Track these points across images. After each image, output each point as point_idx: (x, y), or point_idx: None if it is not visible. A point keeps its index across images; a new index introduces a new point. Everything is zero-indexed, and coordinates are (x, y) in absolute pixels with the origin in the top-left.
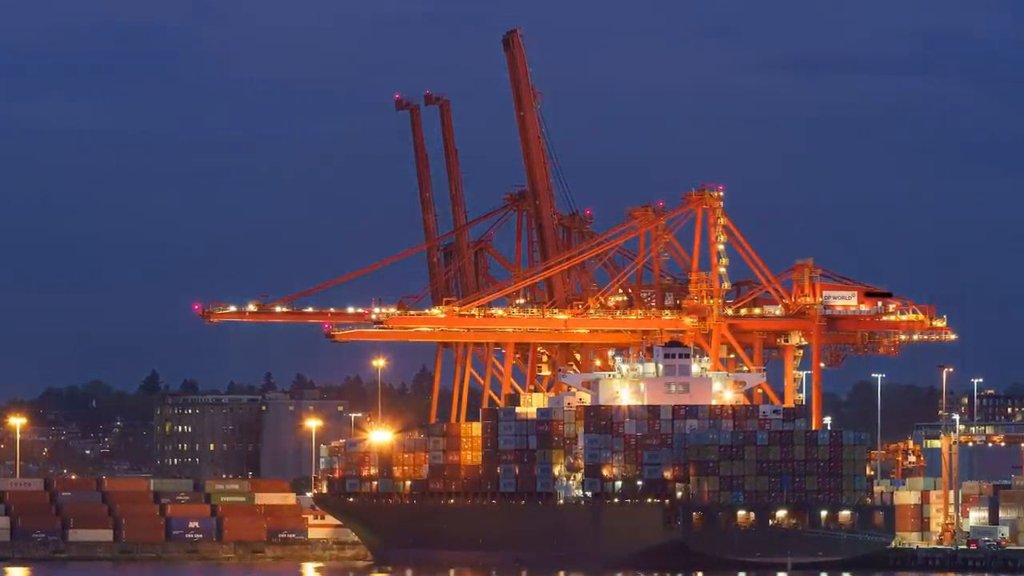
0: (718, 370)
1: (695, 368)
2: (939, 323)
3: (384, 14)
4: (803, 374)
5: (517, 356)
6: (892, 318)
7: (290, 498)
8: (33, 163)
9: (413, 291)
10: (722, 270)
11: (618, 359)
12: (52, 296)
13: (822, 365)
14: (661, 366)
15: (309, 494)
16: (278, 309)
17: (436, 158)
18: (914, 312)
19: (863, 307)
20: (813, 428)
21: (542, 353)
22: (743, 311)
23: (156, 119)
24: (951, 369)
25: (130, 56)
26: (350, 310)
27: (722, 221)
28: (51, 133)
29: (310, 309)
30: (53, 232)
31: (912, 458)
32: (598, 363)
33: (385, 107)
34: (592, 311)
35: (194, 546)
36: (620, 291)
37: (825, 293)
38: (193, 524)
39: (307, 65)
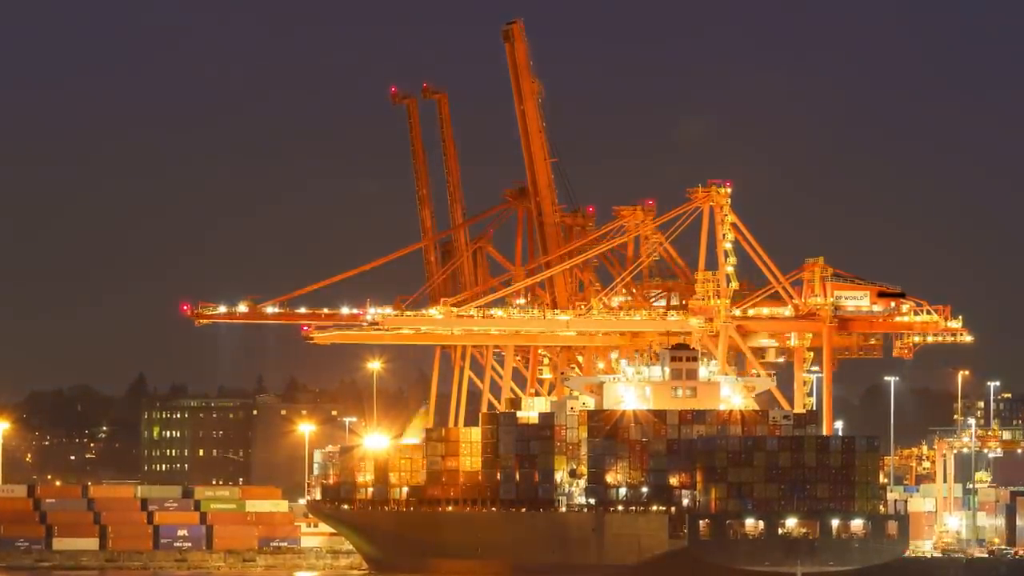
0: (726, 373)
1: (703, 371)
2: (955, 324)
3: (380, 4)
4: (813, 377)
5: (517, 359)
6: (906, 319)
7: (282, 505)
8: (19, 159)
9: (410, 291)
10: (729, 269)
11: (623, 362)
12: (37, 297)
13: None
14: (667, 369)
15: (302, 501)
16: (270, 310)
17: (434, 153)
18: (929, 313)
19: (875, 307)
20: (824, 434)
21: (543, 355)
22: (751, 312)
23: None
24: (966, 372)
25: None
26: (344, 311)
27: (730, 219)
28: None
29: (303, 310)
30: (37, 230)
31: (926, 464)
32: (601, 366)
33: (381, 100)
34: (595, 312)
35: (183, 555)
36: (623, 291)
37: (836, 293)
38: (182, 532)
39: (301, 57)
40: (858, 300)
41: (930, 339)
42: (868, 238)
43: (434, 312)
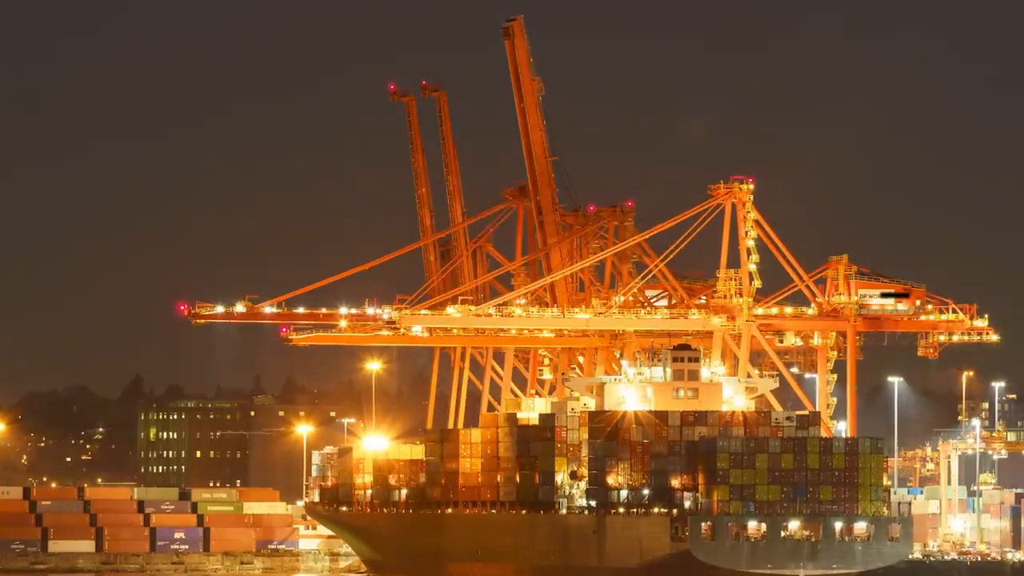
0: (749, 373)
1: (705, 372)
2: (981, 323)
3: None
4: (834, 377)
5: (517, 359)
6: (931, 318)
7: (280, 507)
8: (15, 162)
9: (409, 291)
10: (752, 267)
11: (624, 362)
12: (32, 297)
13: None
14: (669, 370)
15: (300, 503)
16: (267, 310)
17: (433, 151)
18: (954, 312)
19: (900, 306)
20: (850, 434)
21: (543, 356)
22: (775, 310)
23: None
24: (971, 373)
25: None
26: (343, 311)
27: (752, 216)
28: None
29: (301, 310)
30: (34, 230)
31: (931, 465)
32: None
33: (380, 98)
34: (615, 310)
35: (180, 557)
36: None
37: (861, 291)
38: (179, 534)
39: (298, 52)
40: (882, 299)
41: (955, 338)
42: (891, 236)
43: (452, 311)
